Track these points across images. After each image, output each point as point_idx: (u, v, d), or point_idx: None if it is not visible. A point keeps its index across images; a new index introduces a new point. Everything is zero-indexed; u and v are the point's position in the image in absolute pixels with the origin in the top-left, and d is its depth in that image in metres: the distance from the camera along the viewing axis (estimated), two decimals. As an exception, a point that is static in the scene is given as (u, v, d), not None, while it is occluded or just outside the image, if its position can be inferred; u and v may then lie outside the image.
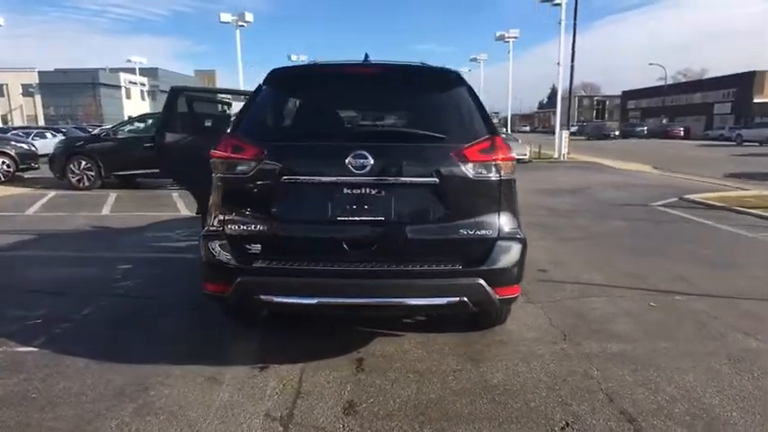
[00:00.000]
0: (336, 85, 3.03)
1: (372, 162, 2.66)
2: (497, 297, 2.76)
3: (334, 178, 2.70)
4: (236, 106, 5.20)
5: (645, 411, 2.51)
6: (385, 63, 3.02)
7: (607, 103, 79.83)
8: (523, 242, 2.84)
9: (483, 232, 2.76)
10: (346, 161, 2.66)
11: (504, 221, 2.82)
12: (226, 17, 29.90)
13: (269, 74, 3.05)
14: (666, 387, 2.73)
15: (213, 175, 2.85)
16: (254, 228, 2.75)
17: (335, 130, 3.11)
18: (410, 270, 2.70)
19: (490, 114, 3.05)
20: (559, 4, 23.70)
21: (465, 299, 2.71)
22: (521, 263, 2.83)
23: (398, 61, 3.14)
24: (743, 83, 46.26)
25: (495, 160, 2.76)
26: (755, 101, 43.85)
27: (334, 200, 2.72)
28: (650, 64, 79.04)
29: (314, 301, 2.70)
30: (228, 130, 2.93)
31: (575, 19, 23.64)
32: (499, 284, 2.76)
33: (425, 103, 3.02)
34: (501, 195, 2.80)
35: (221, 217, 2.81)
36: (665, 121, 52.77)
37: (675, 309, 3.90)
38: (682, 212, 8.34)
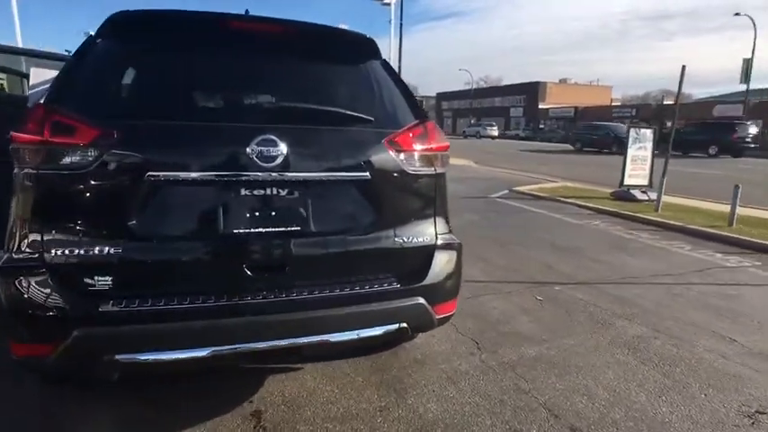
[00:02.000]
0: (217, 45, 2.16)
1: (284, 151, 1.94)
2: (437, 317, 2.32)
3: (228, 173, 1.89)
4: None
5: (592, 423, 2.35)
6: (288, 21, 2.27)
7: (424, 102, 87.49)
8: (460, 248, 2.45)
9: (421, 240, 2.28)
10: (248, 149, 1.89)
11: (440, 225, 2.38)
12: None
13: (108, 20, 2.02)
14: (597, 390, 2.65)
15: (16, 171, 1.77)
16: (99, 252, 1.77)
17: (227, 107, 2.26)
18: (337, 295, 2.06)
19: None
20: (389, 4, 24.65)
21: (404, 325, 2.20)
22: (459, 273, 2.44)
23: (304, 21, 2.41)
24: (530, 91, 55.38)
25: (431, 150, 2.29)
26: (540, 106, 52.93)
27: (229, 205, 1.92)
28: (460, 69, 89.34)
29: (205, 353, 1.85)
30: (41, 101, 1.84)
31: (401, 19, 24.89)
32: (439, 301, 2.32)
33: (341, 76, 2.38)
34: (437, 193, 2.35)
35: (36, 237, 1.75)
36: (472, 121, 60.08)
37: (560, 300, 4.02)
38: (517, 203, 9.19)
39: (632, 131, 9.55)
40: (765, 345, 3.22)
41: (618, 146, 21.71)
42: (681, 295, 4.18)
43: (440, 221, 2.38)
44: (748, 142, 23.63)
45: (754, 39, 26.07)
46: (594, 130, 27.64)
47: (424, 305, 2.22)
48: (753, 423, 2.38)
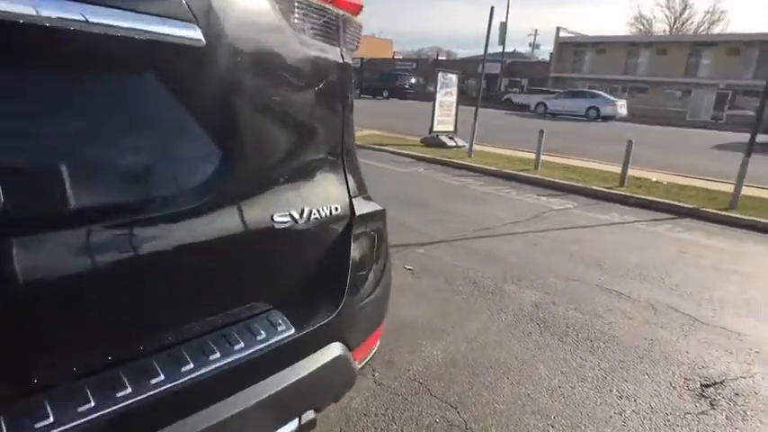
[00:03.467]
0: None
1: None
2: (358, 366, 1.20)
3: None
4: None
5: (569, 464, 1.62)
6: None
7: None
8: (384, 217, 1.36)
9: (327, 212, 1.10)
10: None
11: (351, 177, 1.22)
12: None
13: None
14: (542, 398, 1.94)
15: None
16: None
17: None
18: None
19: None
20: None
21: (311, 415, 1.04)
22: (387, 264, 1.35)
23: None
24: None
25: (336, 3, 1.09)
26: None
27: None
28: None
29: None
30: None
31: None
32: (362, 338, 1.20)
33: None
34: (344, 107, 1.17)
35: None
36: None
37: (433, 268, 3.27)
38: (334, 151, 8.28)
39: (440, 76, 9.48)
40: (646, 294, 3.05)
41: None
42: (539, 245, 3.92)
43: (350, 169, 1.21)
44: (408, 89, 29.70)
45: (508, 5, 30.33)
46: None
47: (343, 358, 1.07)
48: (711, 402, 2.01)
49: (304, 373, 0.99)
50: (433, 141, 9.37)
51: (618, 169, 6.71)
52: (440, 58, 40.86)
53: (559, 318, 2.65)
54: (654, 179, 6.80)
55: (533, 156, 7.40)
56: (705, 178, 7.33)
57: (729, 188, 5.70)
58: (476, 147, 8.40)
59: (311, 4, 1.02)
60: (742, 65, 26.80)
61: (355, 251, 1.17)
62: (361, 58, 49.71)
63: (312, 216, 1.08)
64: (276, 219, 1.01)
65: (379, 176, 6.44)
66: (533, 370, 2.14)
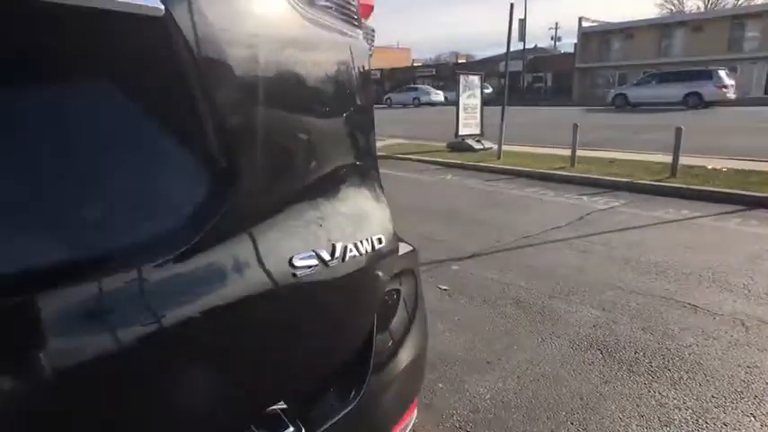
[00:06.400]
0: None
1: None
2: None
3: None
4: None
5: None
6: None
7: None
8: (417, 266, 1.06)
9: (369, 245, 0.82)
10: None
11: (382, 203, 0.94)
12: None
13: None
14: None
15: None
16: None
17: None
18: None
19: None
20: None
21: None
22: (425, 331, 1.07)
23: None
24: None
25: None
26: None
27: None
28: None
29: None
30: None
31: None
32: (397, 415, 0.91)
33: None
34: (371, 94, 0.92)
35: None
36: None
37: (469, 286, 2.94)
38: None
39: (461, 78, 9.14)
40: (728, 306, 2.62)
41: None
42: (588, 252, 3.51)
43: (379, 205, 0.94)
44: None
45: (526, 2, 29.65)
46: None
47: None
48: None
49: None
50: (459, 146, 9.03)
51: (664, 158, 6.17)
52: (459, 61, 40.38)
53: (625, 341, 2.26)
54: (710, 166, 6.20)
55: (567, 152, 6.94)
56: None
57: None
58: (505, 147, 8.00)
59: None
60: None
61: (391, 306, 0.88)
62: (381, 69, 49.85)
63: (348, 254, 0.78)
64: (297, 263, 0.72)
65: (404, 187, 6.16)
66: (602, 411, 1.77)
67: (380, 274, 0.85)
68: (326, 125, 0.79)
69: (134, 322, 0.56)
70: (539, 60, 35.44)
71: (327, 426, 0.73)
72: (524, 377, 2.00)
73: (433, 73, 42.41)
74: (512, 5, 7.16)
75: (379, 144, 8.47)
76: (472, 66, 36.88)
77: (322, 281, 0.73)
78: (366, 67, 0.88)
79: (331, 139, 0.80)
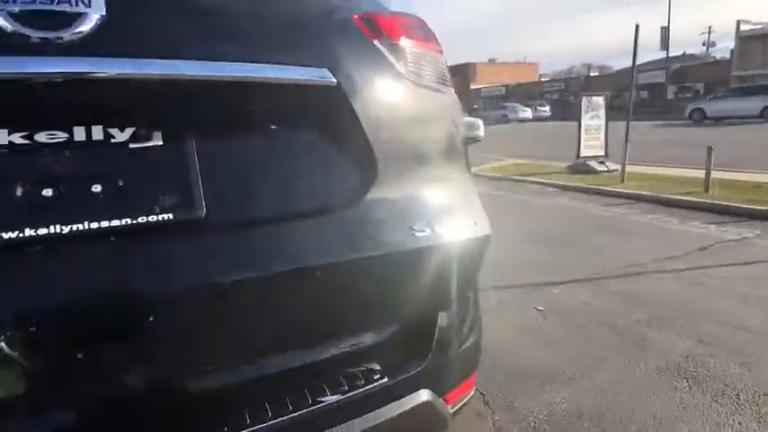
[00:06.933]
0: None
1: (102, 9, 0.77)
2: (450, 410, 1.29)
3: None
4: None
5: None
6: None
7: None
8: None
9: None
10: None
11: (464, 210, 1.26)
12: None
13: None
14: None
15: None
16: None
17: None
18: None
19: None
20: None
21: None
22: (478, 321, 1.41)
23: None
24: (461, 72, 55.55)
25: (436, 50, 1.25)
26: (471, 87, 53.27)
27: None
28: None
29: None
30: None
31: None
32: (454, 385, 1.29)
33: None
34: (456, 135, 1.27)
35: None
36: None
37: (566, 309, 3.13)
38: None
39: (584, 100, 8.98)
40: (843, 347, 2.48)
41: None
42: (701, 284, 3.43)
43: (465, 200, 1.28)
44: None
45: (669, 7, 27.15)
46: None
47: (430, 403, 1.18)
48: None
49: (393, 414, 1.13)
50: (580, 168, 8.83)
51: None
52: (591, 74, 38.11)
53: (716, 373, 2.31)
54: None
55: (701, 174, 6.46)
56: None
57: None
58: (630, 169, 7.67)
59: (418, 49, 1.18)
60: None
61: (460, 282, 1.24)
62: (506, 85, 49.19)
63: (452, 229, 1.09)
64: (415, 227, 1.03)
65: (517, 210, 6.34)
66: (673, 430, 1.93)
67: (466, 253, 1.14)
68: (428, 144, 1.20)
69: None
70: (687, 69, 31.93)
71: (403, 377, 1.15)
72: (602, 393, 2.20)
73: (562, 87, 40.67)
74: (637, 26, 6.95)
75: (495, 164, 8.73)
76: (605, 79, 34.59)
77: (426, 247, 1.05)
78: (459, 112, 1.30)
79: (437, 153, 1.18)
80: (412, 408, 1.13)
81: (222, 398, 0.94)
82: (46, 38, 0.73)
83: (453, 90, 1.29)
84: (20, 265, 0.72)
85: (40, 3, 0.73)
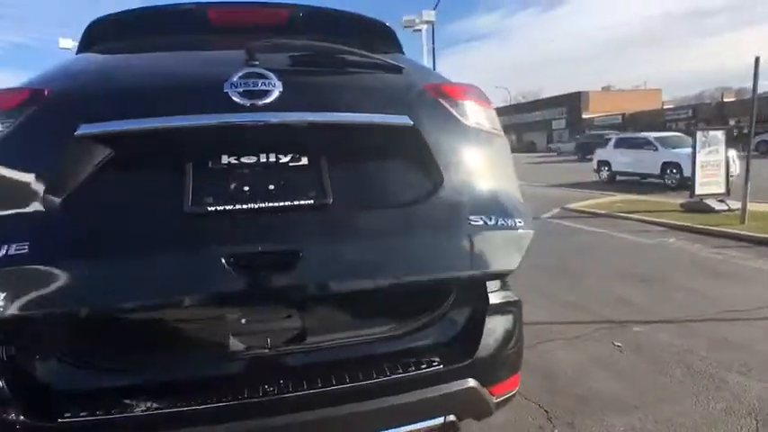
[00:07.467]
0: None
1: (280, 87, 1.42)
2: (494, 401, 1.71)
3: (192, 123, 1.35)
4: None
5: None
6: (295, 5, 1.92)
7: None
8: (519, 303, 1.83)
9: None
10: (227, 85, 1.38)
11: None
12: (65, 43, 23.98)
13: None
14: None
15: None
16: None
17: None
18: (368, 382, 1.50)
19: None
20: (420, 30, 24.61)
21: (452, 417, 1.61)
22: (520, 338, 1.82)
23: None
24: (572, 101, 53.51)
25: (487, 107, 1.78)
26: (583, 116, 50.92)
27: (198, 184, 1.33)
28: (496, 87, 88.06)
29: None
30: None
31: (433, 42, 24.62)
32: (496, 381, 1.71)
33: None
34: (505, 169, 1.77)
35: None
36: (513, 137, 58.56)
37: (645, 346, 3.26)
38: (573, 223, 8.32)
39: (699, 135, 8.52)
40: None
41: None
42: (804, 334, 3.31)
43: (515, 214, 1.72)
44: None
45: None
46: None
47: (475, 389, 1.63)
48: None
49: (447, 391, 1.59)
50: (695, 206, 8.33)
51: None
52: (725, 99, 34.30)
53: (788, 417, 2.36)
54: None
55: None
56: None
57: None
58: (754, 208, 7.11)
59: (477, 108, 1.72)
60: None
61: (486, 323, 1.72)
62: (622, 114, 46.16)
63: (499, 222, 1.54)
64: (471, 218, 1.49)
65: (614, 248, 6.29)
66: (725, 461, 2.08)
67: (512, 246, 1.60)
68: (485, 168, 1.66)
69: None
70: None
71: (455, 366, 1.59)
72: (663, 423, 2.39)
73: (690, 114, 37.15)
74: (757, 59, 6.60)
75: (600, 200, 8.61)
76: (744, 104, 31.00)
77: (477, 233, 1.49)
78: (505, 145, 1.77)
79: (486, 170, 1.65)
80: (460, 389, 1.59)
81: (330, 358, 1.52)
82: (253, 103, 1.38)
83: (501, 130, 1.80)
84: (235, 224, 1.30)
85: (252, 85, 1.39)
